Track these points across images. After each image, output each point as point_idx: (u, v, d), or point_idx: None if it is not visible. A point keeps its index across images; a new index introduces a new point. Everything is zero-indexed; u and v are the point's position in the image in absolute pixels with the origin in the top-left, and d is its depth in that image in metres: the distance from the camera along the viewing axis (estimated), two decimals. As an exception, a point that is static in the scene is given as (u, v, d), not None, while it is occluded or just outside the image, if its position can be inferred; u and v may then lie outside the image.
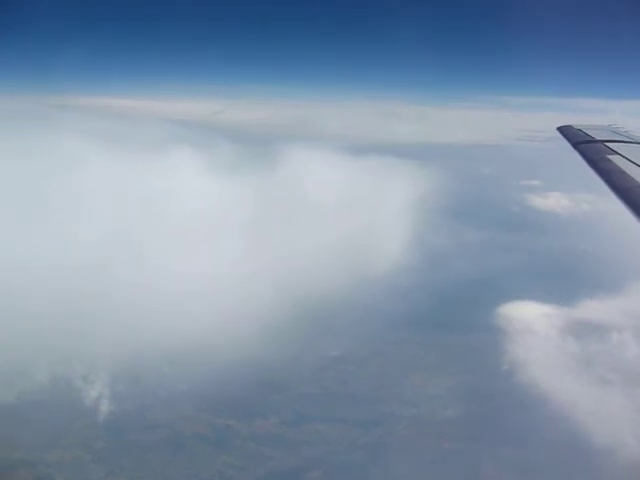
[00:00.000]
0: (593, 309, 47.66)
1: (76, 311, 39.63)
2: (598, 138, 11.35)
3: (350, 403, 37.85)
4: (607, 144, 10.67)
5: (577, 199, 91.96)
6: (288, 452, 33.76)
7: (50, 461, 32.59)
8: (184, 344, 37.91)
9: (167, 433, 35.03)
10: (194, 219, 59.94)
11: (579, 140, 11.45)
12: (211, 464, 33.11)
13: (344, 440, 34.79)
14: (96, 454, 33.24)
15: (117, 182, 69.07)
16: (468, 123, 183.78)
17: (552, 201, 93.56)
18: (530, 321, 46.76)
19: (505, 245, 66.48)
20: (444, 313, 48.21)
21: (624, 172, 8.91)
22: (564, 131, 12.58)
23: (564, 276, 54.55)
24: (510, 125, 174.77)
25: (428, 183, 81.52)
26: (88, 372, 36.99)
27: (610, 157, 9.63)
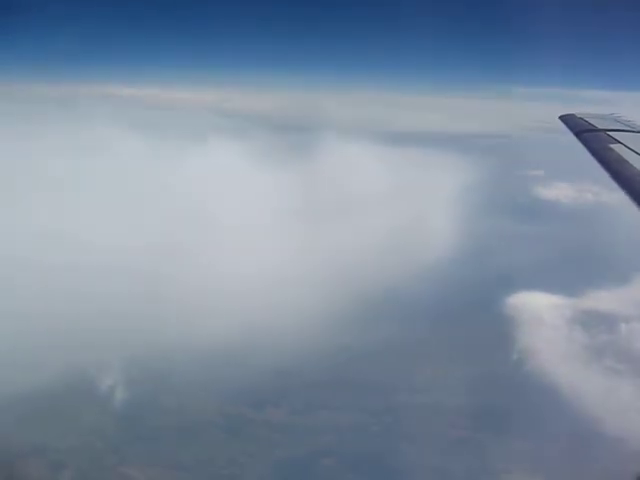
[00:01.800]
0: (601, 299, 49.26)
1: (98, 300, 41.68)
2: (600, 127, 11.67)
3: (361, 391, 39.47)
4: (610, 133, 10.98)
5: (583, 189, 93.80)
6: (301, 439, 35.40)
7: (62, 448, 33.86)
8: (206, 335, 39.62)
9: (179, 420, 36.50)
10: (241, 211, 62.25)
11: (581, 129, 11.77)
12: (223, 451, 34.65)
13: (356, 428, 36.46)
14: (108, 441, 34.67)
15: (159, 173, 71.54)
16: (474, 113, 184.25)
17: (558, 191, 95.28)
18: (539, 311, 48.26)
19: (511, 236, 67.82)
20: (452, 302, 49.69)
21: (626, 161, 9.23)
22: (566, 120, 12.94)
23: (571, 266, 55.80)
24: (516, 115, 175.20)
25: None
26: (102, 359, 38.41)
27: (612, 146, 10.00)
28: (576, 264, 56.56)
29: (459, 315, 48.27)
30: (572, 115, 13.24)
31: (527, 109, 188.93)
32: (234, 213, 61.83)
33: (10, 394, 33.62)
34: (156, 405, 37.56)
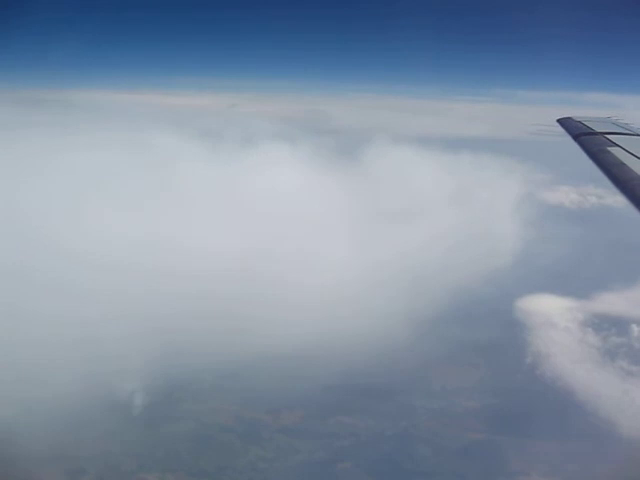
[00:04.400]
0: (611, 302, 50.84)
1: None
2: (598, 130, 11.82)
3: (375, 395, 40.93)
4: (607, 136, 11.15)
5: (588, 192, 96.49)
6: (317, 444, 36.71)
7: (81, 455, 34.88)
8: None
9: (196, 426, 37.91)
10: (304, 217, 63.78)
11: (579, 132, 11.92)
12: (241, 456, 35.85)
13: (371, 432, 37.79)
14: (127, 447, 35.65)
15: (218, 180, 73.08)
16: (478, 117, 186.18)
17: (563, 195, 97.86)
18: (550, 314, 49.83)
19: (519, 239, 68.60)
20: (462, 306, 50.65)
21: (624, 164, 9.31)
22: (564, 123, 13.14)
23: (580, 269, 57.69)
24: (521, 119, 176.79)
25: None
26: (120, 366, 39.24)
27: (610, 149, 10.17)
28: (585, 267, 58.31)
29: (471, 318, 49.77)
30: (570, 118, 13.52)
31: (531, 112, 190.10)
32: (302, 217, 63.54)
33: (29, 401, 34.78)
34: (174, 412, 38.93)
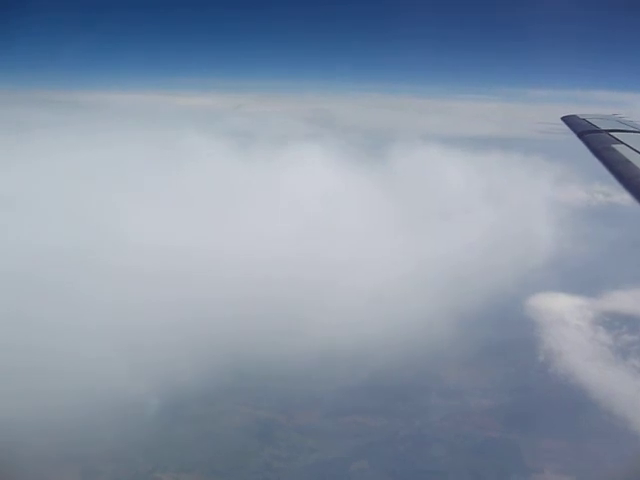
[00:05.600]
0: (622, 300, 51.65)
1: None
2: (603, 128, 11.89)
3: (390, 395, 41.58)
4: (612, 134, 11.24)
5: (595, 190, 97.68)
6: (332, 443, 37.34)
7: (97, 456, 35.49)
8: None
9: (211, 427, 38.63)
10: (339, 218, 64.97)
11: (584, 130, 11.99)
12: (257, 456, 36.51)
13: (386, 431, 38.51)
14: (142, 448, 36.21)
15: (246, 180, 74.42)
16: (484, 116, 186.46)
17: (571, 193, 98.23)
18: (560, 313, 50.57)
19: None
20: (473, 305, 50.58)
21: (629, 161, 9.43)
22: (569, 121, 13.18)
23: (590, 267, 58.42)
24: (526, 117, 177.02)
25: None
26: (133, 367, 40.16)
27: (615, 147, 10.27)
28: (595, 265, 58.96)
29: (481, 317, 49.95)
30: (574, 116, 13.61)
31: (538, 111, 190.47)
32: (332, 218, 64.69)
33: (44, 402, 35.31)
34: (189, 413, 39.68)
